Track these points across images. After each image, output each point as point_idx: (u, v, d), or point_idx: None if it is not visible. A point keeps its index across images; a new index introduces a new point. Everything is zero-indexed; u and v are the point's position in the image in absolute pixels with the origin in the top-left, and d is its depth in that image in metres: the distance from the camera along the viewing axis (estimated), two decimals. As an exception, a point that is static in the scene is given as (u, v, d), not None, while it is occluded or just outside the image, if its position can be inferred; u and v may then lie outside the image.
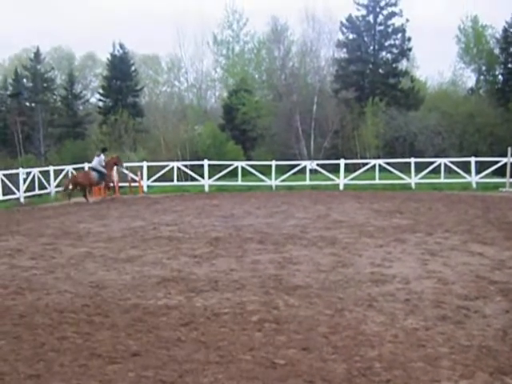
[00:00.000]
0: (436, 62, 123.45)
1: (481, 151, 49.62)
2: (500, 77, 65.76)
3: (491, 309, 9.16)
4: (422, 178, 31.88)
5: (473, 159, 32.31)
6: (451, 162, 32.81)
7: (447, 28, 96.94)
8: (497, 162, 32.25)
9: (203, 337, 8.05)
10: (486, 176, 32.11)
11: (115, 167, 30.10)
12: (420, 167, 32.68)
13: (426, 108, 57.78)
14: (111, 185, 29.92)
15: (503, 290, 10.18)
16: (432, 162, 32.75)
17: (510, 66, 63.94)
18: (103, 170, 28.81)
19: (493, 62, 65.32)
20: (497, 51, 65.25)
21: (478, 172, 32.09)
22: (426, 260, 12.77)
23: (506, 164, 30.90)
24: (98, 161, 28.96)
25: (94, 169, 28.87)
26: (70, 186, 28.28)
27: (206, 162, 33.17)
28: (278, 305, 9.48)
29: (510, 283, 10.70)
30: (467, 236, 15.97)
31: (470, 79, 68.60)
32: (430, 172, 32.26)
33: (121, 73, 65.13)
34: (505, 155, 31.33)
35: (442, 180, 31.57)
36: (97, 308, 9.52)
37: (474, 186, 31.25)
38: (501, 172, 31.88)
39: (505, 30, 62.88)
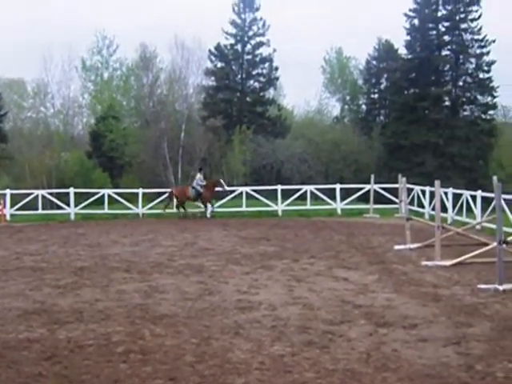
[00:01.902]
0: (303, 91, 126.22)
1: (346, 178, 50.90)
2: (363, 106, 68.17)
3: (355, 332, 9.33)
4: (289, 204, 32.31)
5: (338, 186, 33.08)
6: (317, 189, 33.39)
7: (313, 58, 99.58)
8: (361, 189, 33.15)
9: (66, 370, 7.77)
10: (351, 202, 32.93)
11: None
12: (287, 194, 33.13)
13: (293, 136, 58.81)
14: None
15: (367, 314, 10.42)
16: (298, 189, 33.29)
17: (372, 96, 66.43)
18: (199, 188, 30.80)
19: (356, 92, 67.61)
20: (360, 82, 67.60)
21: (342, 198, 32.86)
22: (293, 286, 12.91)
23: (369, 191, 31.86)
24: (197, 179, 31.20)
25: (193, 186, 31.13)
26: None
27: (71, 190, 32.37)
28: (144, 335, 9.30)
29: (373, 307, 10.97)
30: (332, 261, 16.31)
31: (335, 108, 70.62)
32: (297, 199, 32.76)
33: (-17, 97, 62.78)
34: (368, 182, 32.29)
35: (308, 207, 32.10)
36: (-48, 343, 9.04)
37: (339, 212, 31.95)
38: (364, 198, 32.79)
39: (367, 62, 65.41)
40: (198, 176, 31.18)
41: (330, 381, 7.29)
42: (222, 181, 32.39)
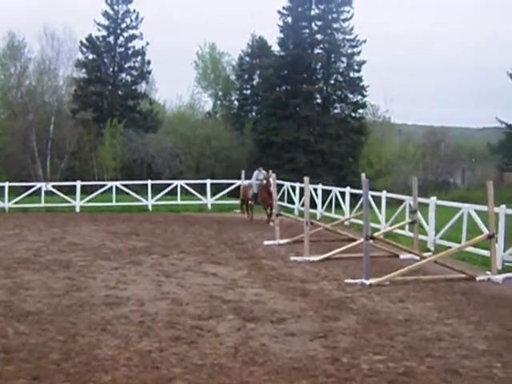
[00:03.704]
0: (175, 86, 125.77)
1: (217, 173, 51.12)
2: (235, 102, 68.39)
3: (224, 327, 9.36)
4: (159, 199, 32.14)
5: (208, 181, 33.18)
6: (188, 184, 33.41)
7: (186, 53, 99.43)
8: (231, 185, 33.37)
9: None
10: (222, 198, 33.08)
11: None
12: (157, 189, 32.95)
13: (165, 130, 58.44)
14: None
15: (235, 309, 10.48)
16: (169, 184, 33.16)
17: (244, 92, 66.83)
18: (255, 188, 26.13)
19: (229, 88, 67.77)
20: (233, 78, 67.86)
21: (213, 194, 32.96)
22: (161, 281, 12.84)
23: (240, 186, 32.07)
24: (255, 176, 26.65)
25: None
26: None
27: None
28: (8, 333, 8.99)
29: (242, 302, 11.05)
30: (202, 257, 16.34)
31: (207, 103, 70.48)
32: (167, 194, 32.63)
33: None
34: (239, 178, 32.50)
35: (179, 202, 32.07)
36: None
37: (210, 207, 32.07)
38: (235, 194, 32.98)
39: (240, 58, 65.64)
40: (256, 173, 26.67)
41: (197, 376, 7.27)
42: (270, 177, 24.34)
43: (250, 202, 26.76)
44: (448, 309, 10.90)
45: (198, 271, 14.25)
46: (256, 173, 26.44)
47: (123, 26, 58.37)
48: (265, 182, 24.86)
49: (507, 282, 13.64)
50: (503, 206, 15.89)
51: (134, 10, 58.01)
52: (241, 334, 9.02)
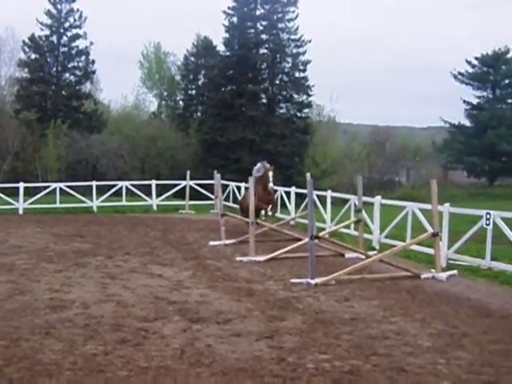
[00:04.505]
0: (120, 86, 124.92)
1: (162, 174, 50.99)
2: (181, 102, 68.27)
3: (169, 329, 9.30)
4: (104, 201, 31.79)
5: (154, 182, 32.96)
6: (133, 185, 33.13)
7: (131, 53, 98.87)
8: (177, 185, 33.26)
9: None
10: (167, 198, 32.90)
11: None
12: (102, 190, 32.61)
13: (109, 131, 58.02)
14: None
15: (181, 310, 10.42)
16: (114, 185, 32.82)
17: (190, 92, 66.73)
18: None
19: (174, 88, 67.66)
20: (178, 78, 67.68)
21: (158, 195, 32.76)
22: (106, 284, 12.71)
23: (185, 187, 32.00)
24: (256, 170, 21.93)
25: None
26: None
27: None
28: None
29: (187, 303, 11.00)
30: (147, 258, 16.24)
31: (152, 104, 70.23)
32: (112, 195, 32.30)
33: None
34: (184, 178, 32.43)
35: (124, 203, 31.76)
36: None
37: (155, 208, 31.87)
38: (181, 194, 32.88)
39: (185, 58, 65.52)
40: (258, 166, 22.13)
41: (143, 378, 7.21)
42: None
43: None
44: (393, 307, 11.01)
45: (143, 272, 14.16)
46: (258, 166, 22.00)
47: (66, 25, 57.68)
48: (262, 174, 21.04)
49: (451, 280, 13.85)
50: (447, 205, 16.11)
51: (78, 9, 57.47)
52: (187, 336, 8.97)
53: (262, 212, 20.77)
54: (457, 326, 9.73)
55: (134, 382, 7.11)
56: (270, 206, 21.28)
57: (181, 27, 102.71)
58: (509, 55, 76.53)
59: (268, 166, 21.70)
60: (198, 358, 7.96)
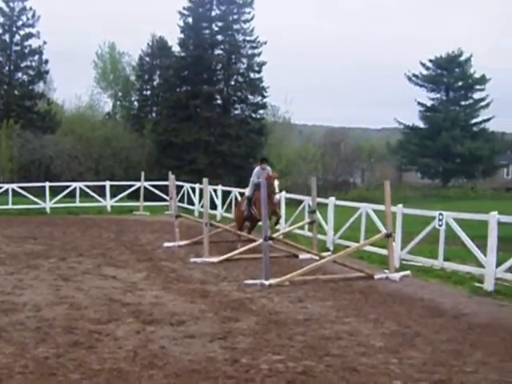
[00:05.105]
0: (74, 86, 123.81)
1: (117, 175, 50.61)
2: (135, 103, 67.87)
3: (123, 331, 9.24)
4: (58, 202, 31.44)
5: (108, 183, 32.72)
6: (87, 186, 32.85)
7: (86, 53, 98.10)
8: (131, 186, 33.08)
9: None
10: (121, 200, 32.72)
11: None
12: (56, 191, 32.26)
13: (63, 131, 57.39)
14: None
15: (135, 312, 10.36)
16: (67, 186, 32.49)
17: (144, 92, 66.41)
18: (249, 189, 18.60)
19: (129, 89, 67.23)
20: (133, 78, 67.27)
21: (113, 196, 32.54)
22: (59, 286, 12.57)
23: (140, 188, 31.85)
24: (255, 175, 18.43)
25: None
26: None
27: None
28: None
29: (141, 304, 10.94)
30: (101, 259, 16.12)
31: (106, 104, 69.66)
32: (66, 196, 31.96)
33: None
34: (139, 179, 32.27)
35: (78, 204, 31.45)
36: None
37: (109, 209, 31.65)
38: (135, 196, 32.71)
39: (140, 58, 65.15)
40: (257, 170, 18.56)
41: (95, 381, 7.15)
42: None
43: (245, 217, 18.82)
44: (347, 307, 11.08)
45: (96, 274, 14.05)
46: (257, 170, 18.51)
47: (19, 23, 56.91)
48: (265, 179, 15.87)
49: (404, 280, 13.99)
50: (400, 206, 16.29)
51: (31, 8, 56.68)
52: (140, 338, 8.92)
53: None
54: (409, 326, 9.83)
55: (86, 386, 7.05)
56: (275, 219, 18.50)
57: (136, 27, 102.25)
58: (462, 58, 77.81)
59: (272, 172, 18.42)
60: (152, 359, 7.92)
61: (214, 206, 26.69)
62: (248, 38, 60.96)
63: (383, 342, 8.91)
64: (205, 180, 17.64)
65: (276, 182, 17.37)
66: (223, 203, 27.86)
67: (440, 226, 14.67)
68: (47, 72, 59.16)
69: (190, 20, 60.56)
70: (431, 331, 9.60)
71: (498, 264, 12.94)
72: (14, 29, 56.91)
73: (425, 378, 7.49)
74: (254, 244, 16.82)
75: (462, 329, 9.84)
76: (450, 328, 9.87)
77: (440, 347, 8.76)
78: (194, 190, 30.38)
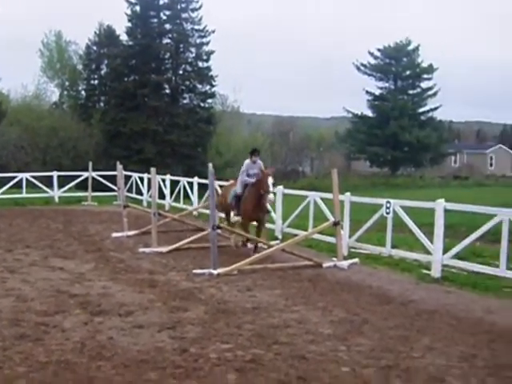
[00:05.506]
0: (20, 75, 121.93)
1: (64, 165, 49.93)
2: (83, 92, 67.04)
3: (70, 322, 9.18)
4: (3, 193, 30.93)
5: (55, 173, 32.30)
6: (33, 177, 32.37)
7: (32, 41, 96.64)
8: (79, 176, 32.71)
9: None
10: (69, 190, 32.35)
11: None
12: (1, 182, 31.73)
13: (9, 121, 56.45)
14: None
15: (82, 303, 10.29)
16: (14, 177, 31.97)
17: (92, 82, 65.66)
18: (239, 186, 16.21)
19: (76, 78, 66.33)
20: (80, 67, 66.41)
21: (60, 186, 32.16)
22: (5, 278, 12.40)
23: (87, 178, 31.55)
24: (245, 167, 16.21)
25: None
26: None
27: None
28: None
29: (89, 295, 10.87)
30: (48, 251, 15.95)
31: (53, 93, 68.65)
32: (12, 187, 31.45)
33: None
34: (87, 169, 31.96)
35: (24, 195, 30.98)
36: None
37: (57, 200, 31.27)
38: (83, 186, 32.37)
39: (88, 47, 64.36)
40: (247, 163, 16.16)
41: (43, 374, 7.10)
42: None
43: (231, 214, 16.90)
44: (295, 296, 11.15)
45: (44, 266, 13.89)
46: (247, 163, 16.17)
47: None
48: (257, 178, 15.55)
49: (353, 268, 14.13)
50: (348, 194, 16.43)
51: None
52: (88, 329, 8.87)
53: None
54: (358, 314, 9.94)
55: (34, 378, 6.97)
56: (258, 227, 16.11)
57: (83, 16, 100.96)
58: (410, 47, 78.67)
59: (261, 163, 16.11)
60: (99, 350, 7.89)
61: (162, 196, 26.61)
62: (196, 27, 60.79)
63: (331, 330, 9.00)
64: (153, 169, 17.55)
65: (270, 180, 15.27)
66: (172, 193, 27.75)
67: (387, 213, 14.83)
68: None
69: (137, 8, 60.13)
70: (379, 318, 9.72)
71: (445, 251, 13.16)
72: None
73: (372, 363, 7.60)
74: (202, 233, 16.85)
75: (409, 315, 9.99)
76: (398, 315, 10.01)
77: (388, 333, 8.88)
78: (142, 179, 30.21)
